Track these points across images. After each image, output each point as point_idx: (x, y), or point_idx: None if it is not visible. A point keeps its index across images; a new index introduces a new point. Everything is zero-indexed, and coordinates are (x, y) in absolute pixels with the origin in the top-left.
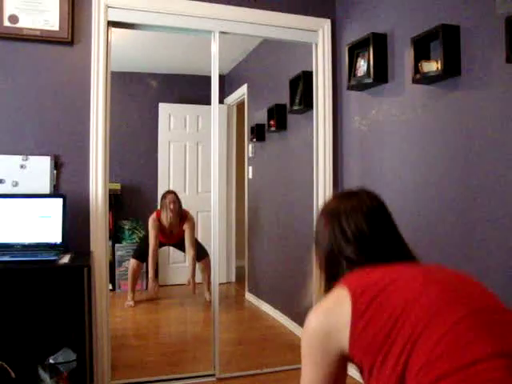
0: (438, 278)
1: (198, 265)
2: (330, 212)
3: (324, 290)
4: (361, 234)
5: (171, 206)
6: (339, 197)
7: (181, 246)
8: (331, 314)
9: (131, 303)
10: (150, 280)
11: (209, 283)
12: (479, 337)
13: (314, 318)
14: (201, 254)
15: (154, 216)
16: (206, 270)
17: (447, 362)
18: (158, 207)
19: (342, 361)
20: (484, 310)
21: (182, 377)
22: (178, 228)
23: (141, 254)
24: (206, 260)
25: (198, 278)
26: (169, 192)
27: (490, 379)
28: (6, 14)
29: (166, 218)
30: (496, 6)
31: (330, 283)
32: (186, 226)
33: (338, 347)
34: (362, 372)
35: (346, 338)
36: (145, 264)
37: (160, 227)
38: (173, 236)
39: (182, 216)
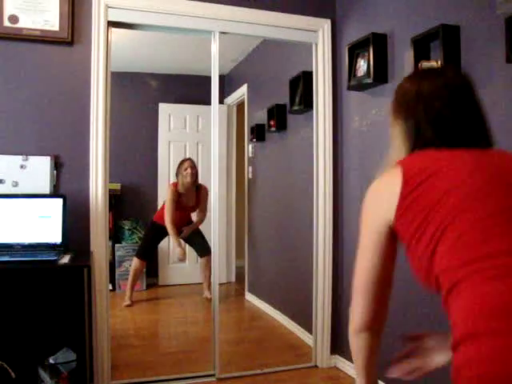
0: (489, 167)
1: (199, 262)
2: (414, 93)
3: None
4: (441, 116)
5: (189, 171)
6: (423, 75)
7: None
8: (382, 192)
9: (128, 302)
10: (176, 246)
11: (209, 281)
12: (505, 233)
13: (368, 194)
14: (205, 250)
15: (171, 186)
16: (207, 268)
17: (467, 253)
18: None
19: (390, 234)
20: None
21: (182, 377)
22: (193, 199)
23: (143, 252)
24: (208, 258)
25: (198, 277)
26: (186, 159)
27: (501, 274)
28: (6, 14)
29: (183, 184)
30: (496, 6)
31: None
32: (202, 197)
33: (386, 220)
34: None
35: (392, 213)
36: (145, 264)
37: (177, 197)
38: (187, 209)
39: (197, 187)
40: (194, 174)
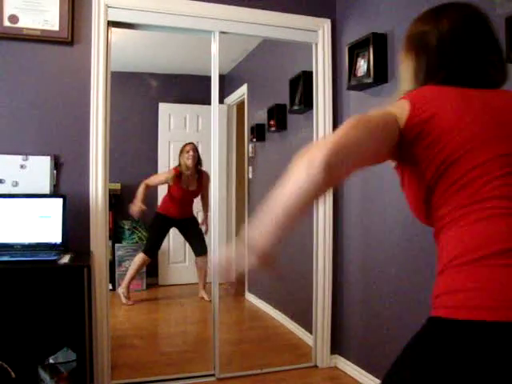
0: (495, 108)
1: (194, 261)
2: (427, 31)
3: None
4: (454, 56)
5: (191, 153)
6: (438, 13)
7: (187, 227)
8: (391, 110)
9: (130, 302)
10: (137, 202)
11: (205, 281)
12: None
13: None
14: (202, 250)
15: (172, 170)
16: (203, 267)
17: (466, 195)
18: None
19: (398, 135)
20: None
21: (182, 377)
22: (195, 183)
23: (152, 249)
24: (204, 258)
25: (195, 278)
26: (189, 143)
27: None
28: (6, 13)
29: (184, 167)
30: (496, 6)
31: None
32: (204, 182)
33: (398, 122)
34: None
35: (402, 123)
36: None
37: (177, 181)
38: (189, 193)
39: (199, 171)
40: (196, 157)
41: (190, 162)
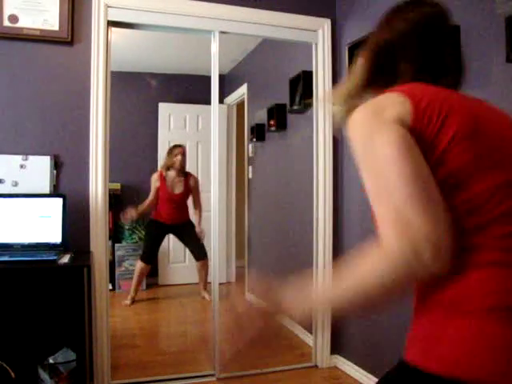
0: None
1: (195, 264)
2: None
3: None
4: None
5: (178, 158)
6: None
7: (183, 232)
8: (389, 105)
9: (128, 302)
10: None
11: (206, 282)
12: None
13: (365, 114)
14: (201, 254)
15: (154, 176)
16: (203, 270)
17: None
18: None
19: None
20: None
21: (182, 377)
22: (181, 187)
23: (148, 256)
24: (205, 261)
25: (195, 278)
26: (177, 145)
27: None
28: (6, 13)
29: (171, 170)
30: (496, 5)
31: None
32: (191, 185)
33: (405, 123)
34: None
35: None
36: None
37: (162, 184)
38: (175, 197)
39: (185, 174)
40: (183, 162)
41: (176, 167)
